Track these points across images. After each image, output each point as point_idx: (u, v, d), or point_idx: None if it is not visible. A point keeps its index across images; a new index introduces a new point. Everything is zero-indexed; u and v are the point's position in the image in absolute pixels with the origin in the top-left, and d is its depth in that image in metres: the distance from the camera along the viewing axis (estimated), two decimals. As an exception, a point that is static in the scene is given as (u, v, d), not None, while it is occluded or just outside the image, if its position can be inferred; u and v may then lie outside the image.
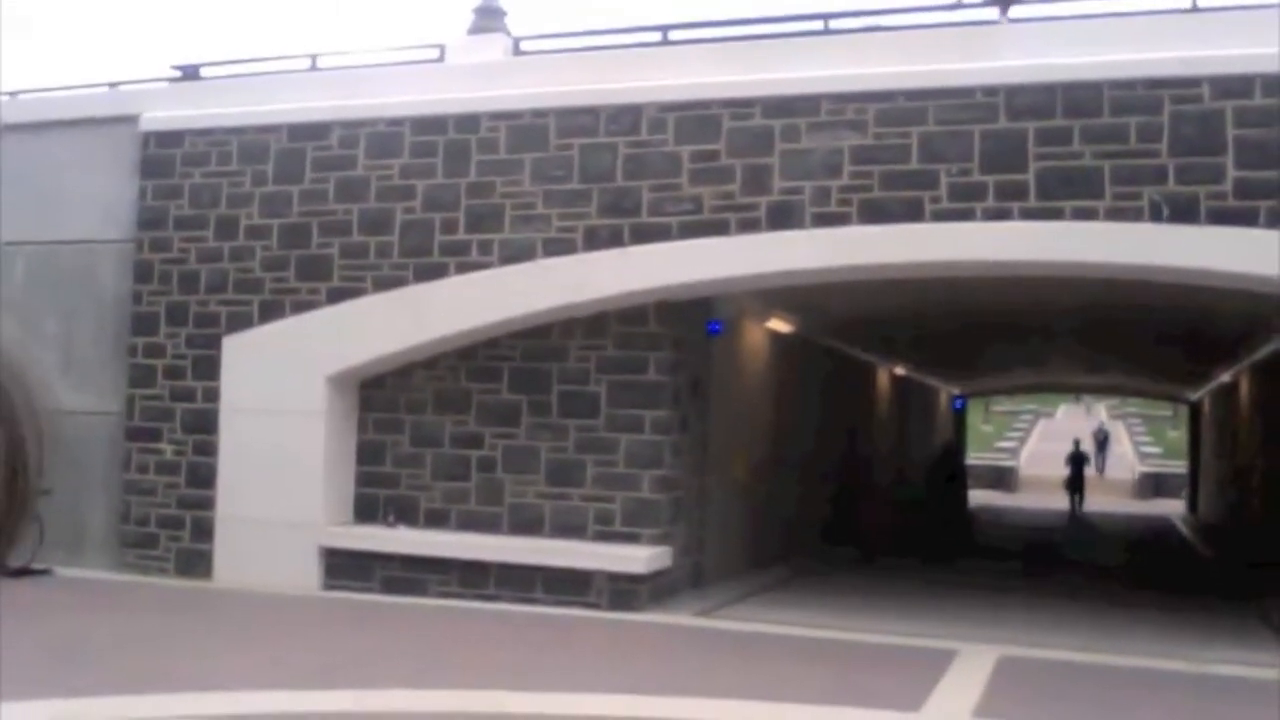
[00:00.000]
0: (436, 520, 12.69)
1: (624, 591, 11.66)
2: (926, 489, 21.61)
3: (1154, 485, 42.62)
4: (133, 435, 13.53)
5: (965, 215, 10.74)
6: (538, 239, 12.03)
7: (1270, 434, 18.19)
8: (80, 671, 8.49)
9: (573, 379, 12.32)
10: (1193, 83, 10.27)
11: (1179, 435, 46.43)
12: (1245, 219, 10.07)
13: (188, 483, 13.25)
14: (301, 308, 12.85)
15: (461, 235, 12.30)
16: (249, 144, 13.18)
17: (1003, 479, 43.74)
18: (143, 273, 13.55)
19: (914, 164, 10.91)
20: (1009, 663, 9.82)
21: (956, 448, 22.98)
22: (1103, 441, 42.34)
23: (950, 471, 22.59)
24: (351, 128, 12.76)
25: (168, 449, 13.36)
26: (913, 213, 10.87)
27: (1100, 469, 41.16)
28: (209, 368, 13.20)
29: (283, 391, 12.73)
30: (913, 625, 11.62)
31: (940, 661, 9.65)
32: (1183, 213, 10.22)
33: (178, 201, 13.43)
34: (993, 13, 11.41)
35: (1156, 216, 10.29)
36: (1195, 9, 10.83)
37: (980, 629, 11.45)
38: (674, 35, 12.49)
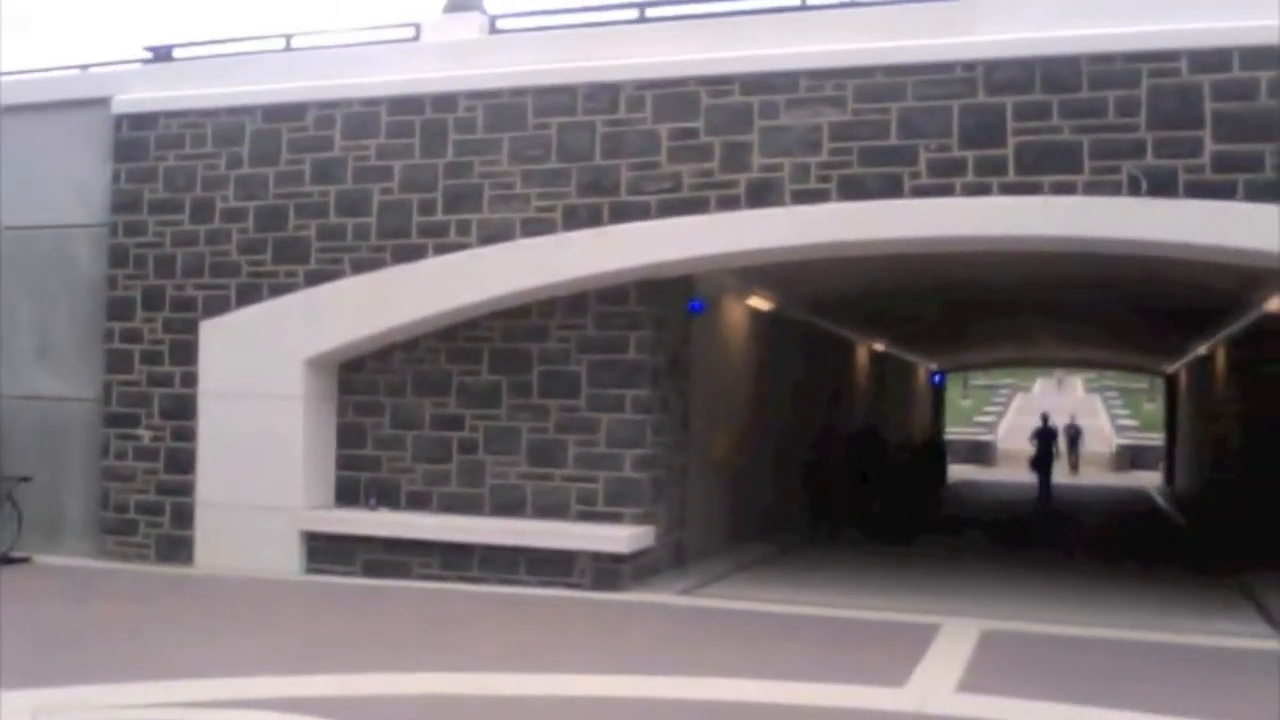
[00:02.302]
0: (418, 502, 12.66)
1: (607, 571, 11.66)
2: (848, 466, 20.80)
3: (1131, 458, 42.96)
4: (110, 421, 13.44)
5: (944, 191, 10.74)
6: (516, 219, 11.97)
7: (1246, 405, 18.31)
8: (61, 660, 8.44)
9: (553, 359, 12.30)
10: (1171, 56, 10.28)
11: (1155, 408, 46.76)
12: (1223, 192, 10.10)
13: (166, 468, 13.18)
14: (279, 291, 12.76)
15: (440, 216, 12.23)
16: (223, 126, 13.07)
17: (981, 453, 43.99)
18: (118, 257, 13.43)
19: (893, 140, 10.89)
20: (992, 636, 9.87)
21: (875, 425, 22.51)
22: (1074, 437, 40.69)
23: (878, 451, 22.11)
24: (327, 108, 12.66)
25: (146, 435, 13.28)
26: (892, 189, 10.86)
27: (1073, 465, 40.01)
28: (186, 352, 13.11)
29: (261, 375, 12.65)
30: (896, 600, 11.68)
31: (924, 636, 9.69)
32: (1161, 186, 10.24)
33: (152, 185, 13.31)
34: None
35: (1135, 190, 10.30)
36: (1173, -18, 10.80)
37: (963, 603, 11.49)
38: (651, 12, 12.41)
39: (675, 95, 11.51)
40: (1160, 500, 29.24)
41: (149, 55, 14.05)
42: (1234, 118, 10.10)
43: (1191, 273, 11.79)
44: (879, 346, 25.39)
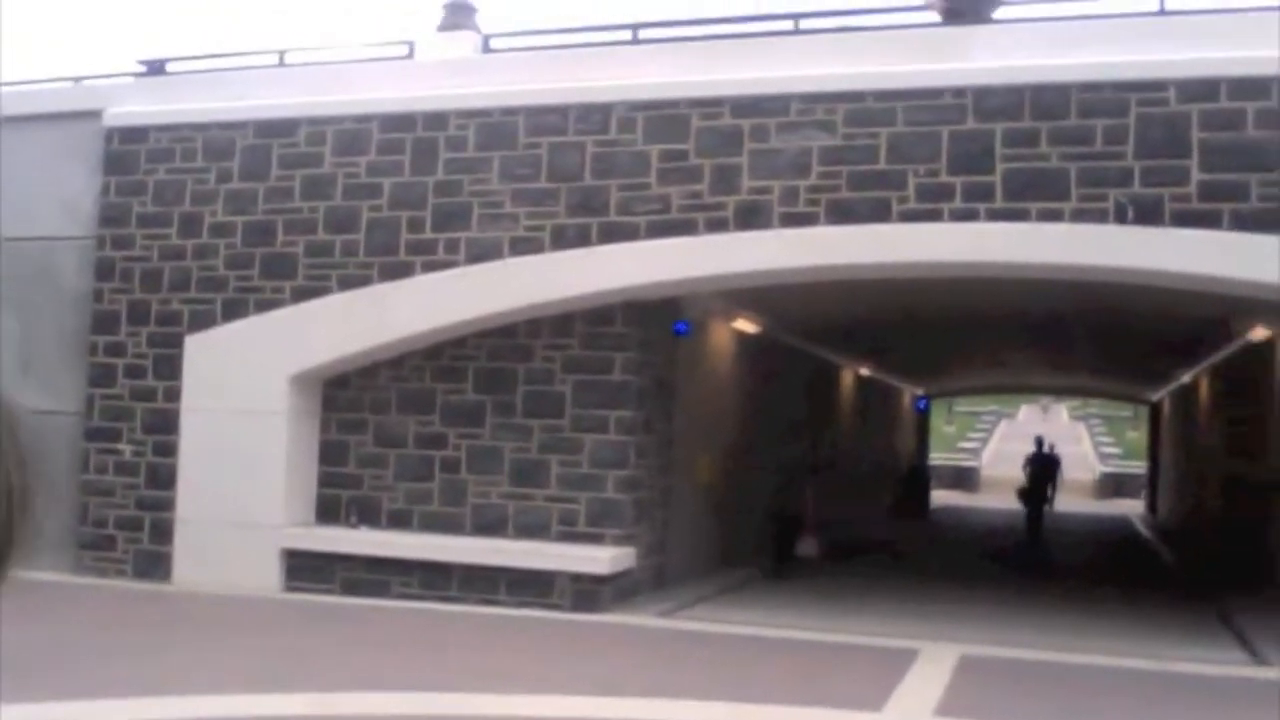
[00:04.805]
0: (399, 521, 12.59)
1: (587, 592, 11.61)
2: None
3: (1114, 485, 42.98)
4: (92, 435, 13.35)
5: (933, 216, 10.77)
6: (505, 238, 11.96)
7: (1229, 434, 18.36)
8: (35, 677, 8.34)
9: (538, 379, 12.27)
10: (1159, 86, 10.35)
11: (1139, 435, 46.86)
12: (1209, 221, 10.15)
13: (147, 484, 13.09)
14: (265, 306, 12.72)
15: (428, 234, 12.21)
16: (214, 140, 13.05)
17: (965, 479, 43.98)
18: (104, 270, 13.38)
19: (882, 164, 10.92)
20: (970, 662, 9.86)
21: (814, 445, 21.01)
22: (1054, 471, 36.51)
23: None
24: (319, 124, 12.65)
25: (127, 449, 13.20)
26: (880, 213, 10.88)
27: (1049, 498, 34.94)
28: (170, 367, 13.04)
29: (245, 391, 12.59)
30: (876, 625, 11.66)
31: (903, 660, 9.68)
32: (1147, 215, 10.29)
33: (141, 198, 13.27)
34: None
35: (1122, 218, 10.35)
36: (1163, 12, 10.90)
37: (943, 628, 11.48)
38: (644, 34, 12.48)
39: (666, 117, 11.53)
40: (1142, 528, 29.27)
41: (142, 69, 14.04)
42: (1221, 147, 10.16)
43: (1177, 301, 11.83)
44: (865, 371, 25.41)
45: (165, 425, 13.04)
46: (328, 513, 12.85)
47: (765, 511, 15.58)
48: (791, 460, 15.53)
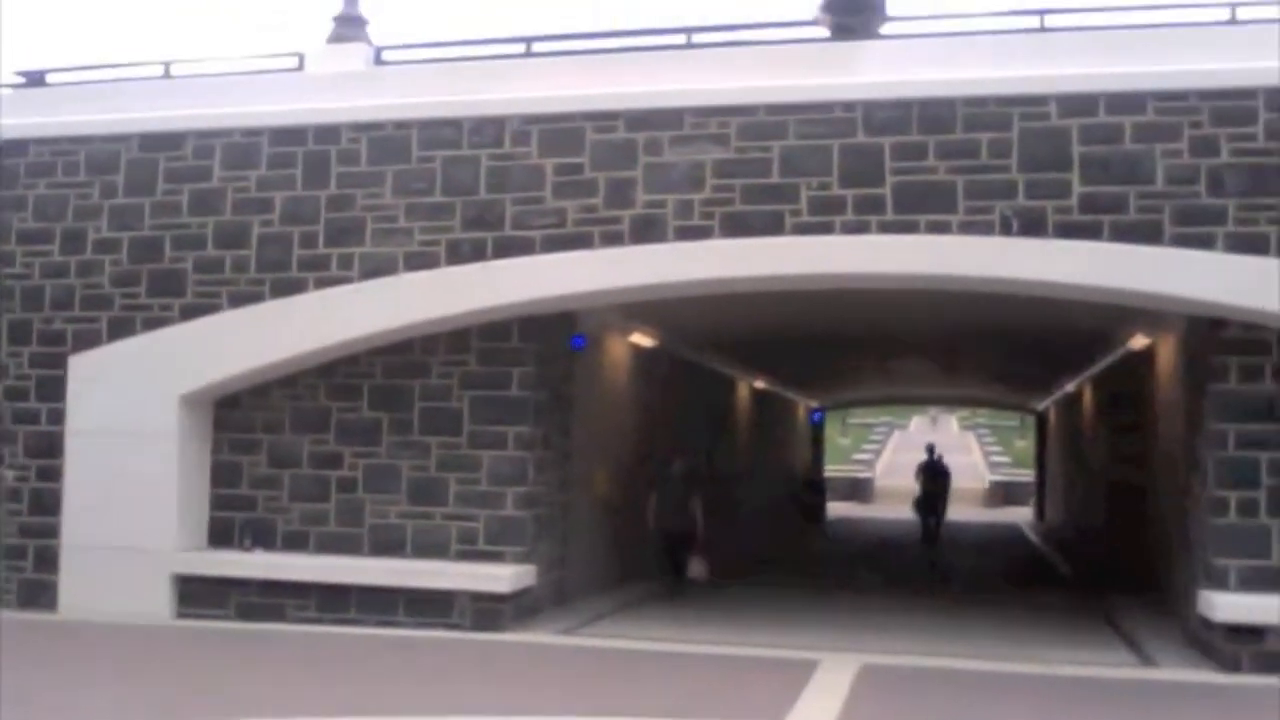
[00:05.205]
0: (295, 543, 12.37)
1: (487, 611, 11.53)
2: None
3: (1003, 494, 43.90)
4: (-29, 459, 12.90)
5: (825, 229, 10.93)
6: (399, 253, 11.85)
7: (1112, 441, 18.88)
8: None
9: (435, 395, 12.16)
10: (1040, 100, 10.63)
11: (1026, 444, 47.94)
12: (1090, 233, 10.45)
13: (30, 510, 12.69)
14: (153, 325, 12.43)
15: (321, 249, 12.05)
16: (97, 154, 12.73)
17: (859, 490, 44.58)
18: (-19, 289, 12.96)
19: (775, 178, 11.06)
20: (870, 671, 9.98)
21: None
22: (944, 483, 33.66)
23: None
24: (207, 138, 12.42)
25: (9, 474, 12.77)
26: (774, 226, 11.01)
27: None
28: (54, 388, 12.67)
29: (133, 412, 12.27)
30: (777, 637, 11.74)
31: (803, 672, 9.76)
32: (1032, 227, 10.56)
33: (21, 214, 12.89)
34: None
35: (1006, 230, 10.60)
36: (1043, 29, 11.20)
37: (842, 638, 11.61)
38: (537, 47, 12.46)
39: (560, 130, 11.54)
40: (1031, 535, 29.93)
41: (20, 80, 13.65)
42: (1100, 161, 10.48)
43: (1061, 311, 12.14)
44: (760, 384, 25.65)
45: (49, 449, 12.65)
46: (221, 536, 12.57)
47: (656, 529, 15.06)
48: (686, 474, 15.33)
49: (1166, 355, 13.44)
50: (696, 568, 14.94)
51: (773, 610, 14.19)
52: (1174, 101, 10.40)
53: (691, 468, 15.68)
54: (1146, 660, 11.00)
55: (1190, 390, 11.62)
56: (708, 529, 15.24)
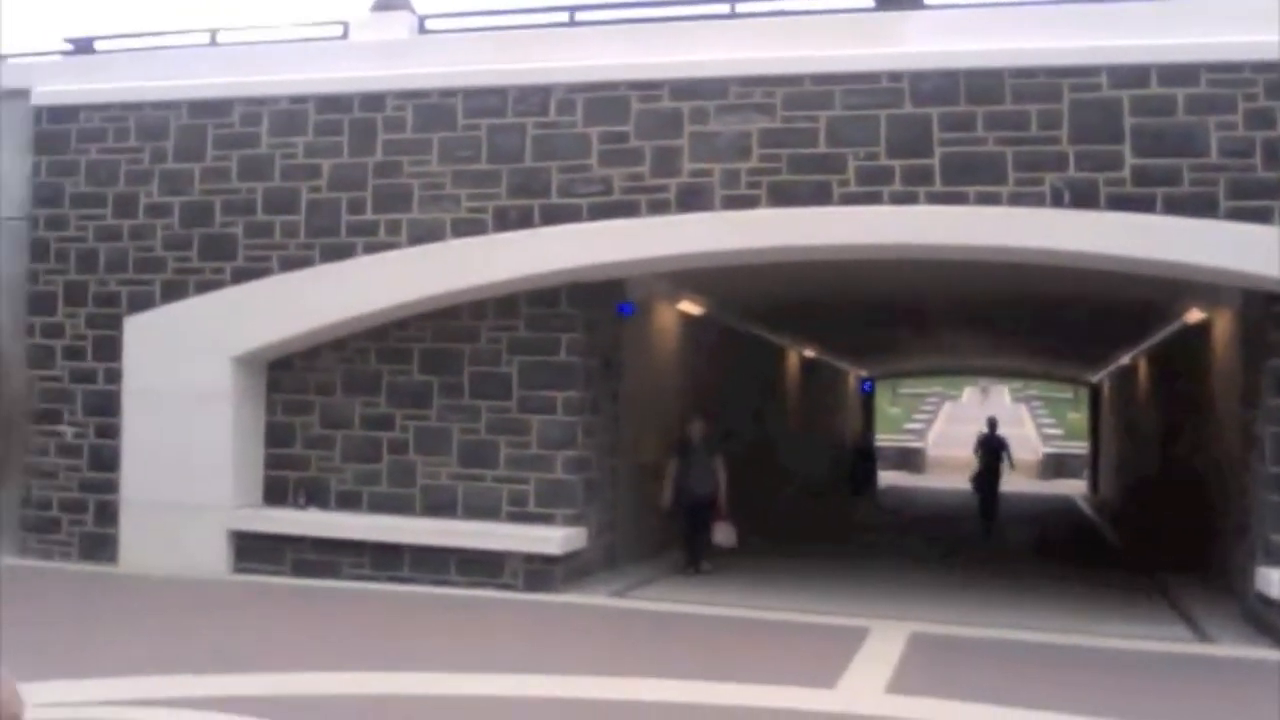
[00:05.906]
0: (348, 502, 12.58)
1: (539, 573, 11.67)
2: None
3: (1056, 466, 43.53)
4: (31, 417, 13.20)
5: (872, 199, 10.87)
6: (446, 219, 11.95)
7: (1167, 415, 18.68)
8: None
9: (484, 360, 12.28)
10: (1091, 71, 10.50)
11: (1080, 417, 47.49)
12: (1142, 205, 10.32)
13: (90, 466, 12.99)
14: (206, 288, 12.64)
15: (369, 215, 12.18)
16: (147, 120, 12.91)
17: (910, 460, 44.41)
18: (39, 251, 13.23)
19: (822, 147, 11.01)
20: (920, 639, 9.98)
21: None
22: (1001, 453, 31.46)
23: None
24: (254, 105, 12.56)
25: (69, 431, 13.07)
26: (821, 196, 10.98)
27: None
28: (110, 348, 12.93)
29: (188, 373, 12.51)
30: (827, 604, 11.76)
31: (854, 639, 9.79)
32: (1083, 198, 10.45)
33: (73, 178, 13.12)
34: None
35: (1057, 202, 10.50)
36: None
37: (893, 607, 11.61)
38: (581, 16, 12.45)
39: (606, 99, 11.55)
40: (1085, 508, 29.70)
41: (69, 47, 13.83)
42: (1152, 132, 10.33)
43: (1113, 284, 12.02)
44: (810, 353, 25.60)
45: (107, 407, 12.94)
46: (275, 494, 12.81)
47: (677, 497, 13.97)
48: (707, 435, 14.46)
49: (1223, 329, 13.27)
50: (723, 534, 13.94)
51: (823, 578, 14.19)
52: (1228, 73, 10.23)
53: (714, 430, 14.60)
54: (1202, 636, 10.84)
55: (1247, 365, 11.47)
56: (738, 493, 14.37)
